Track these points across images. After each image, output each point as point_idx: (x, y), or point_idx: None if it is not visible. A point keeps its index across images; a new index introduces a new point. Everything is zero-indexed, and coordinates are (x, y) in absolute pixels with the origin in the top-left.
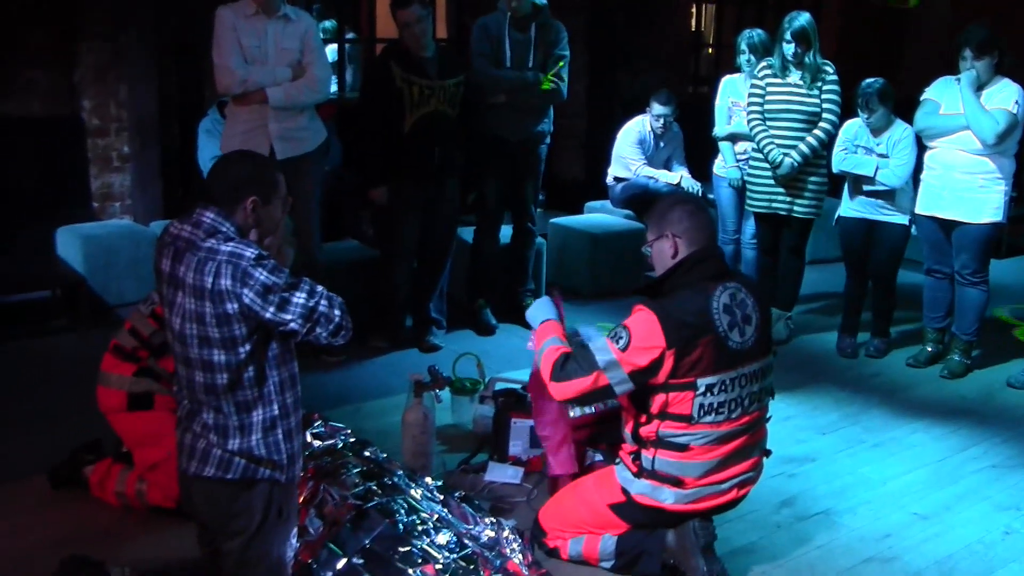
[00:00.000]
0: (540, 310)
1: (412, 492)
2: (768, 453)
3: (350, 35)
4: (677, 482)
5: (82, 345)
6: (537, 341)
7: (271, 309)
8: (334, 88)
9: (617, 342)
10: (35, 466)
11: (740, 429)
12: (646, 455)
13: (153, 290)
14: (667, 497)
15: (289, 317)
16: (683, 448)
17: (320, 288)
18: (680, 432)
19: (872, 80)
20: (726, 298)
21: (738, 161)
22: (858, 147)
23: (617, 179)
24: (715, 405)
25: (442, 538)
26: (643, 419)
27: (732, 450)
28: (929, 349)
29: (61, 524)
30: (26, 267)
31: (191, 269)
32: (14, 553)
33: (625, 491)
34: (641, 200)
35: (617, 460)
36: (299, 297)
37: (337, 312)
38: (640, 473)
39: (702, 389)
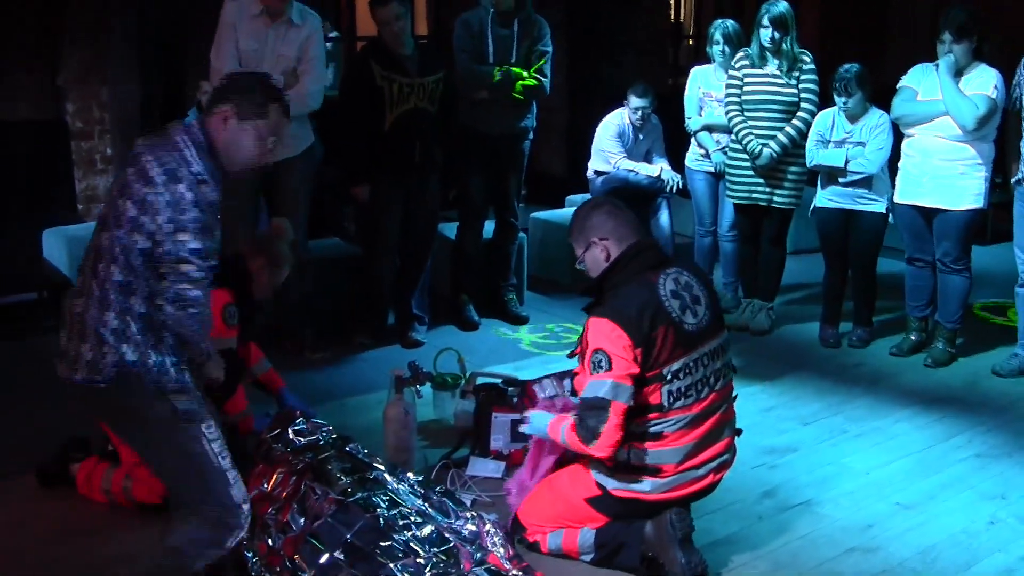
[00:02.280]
0: (540, 422)
1: (394, 487)
2: (739, 432)
3: (332, 33)
4: (655, 471)
5: None
6: (555, 437)
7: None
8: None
9: (600, 368)
10: (23, 465)
11: (710, 408)
12: (620, 450)
13: None
14: (644, 486)
15: (166, 260)
16: (657, 436)
17: (201, 293)
18: (653, 422)
19: (850, 65)
20: (671, 284)
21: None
22: (828, 142)
23: (597, 172)
24: (683, 389)
25: (423, 532)
26: None
27: (705, 431)
28: (912, 338)
29: (50, 521)
30: (12, 269)
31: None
32: (3, 549)
33: (601, 486)
34: (622, 193)
35: (591, 459)
36: (191, 268)
37: (192, 323)
38: (616, 468)
39: (668, 377)
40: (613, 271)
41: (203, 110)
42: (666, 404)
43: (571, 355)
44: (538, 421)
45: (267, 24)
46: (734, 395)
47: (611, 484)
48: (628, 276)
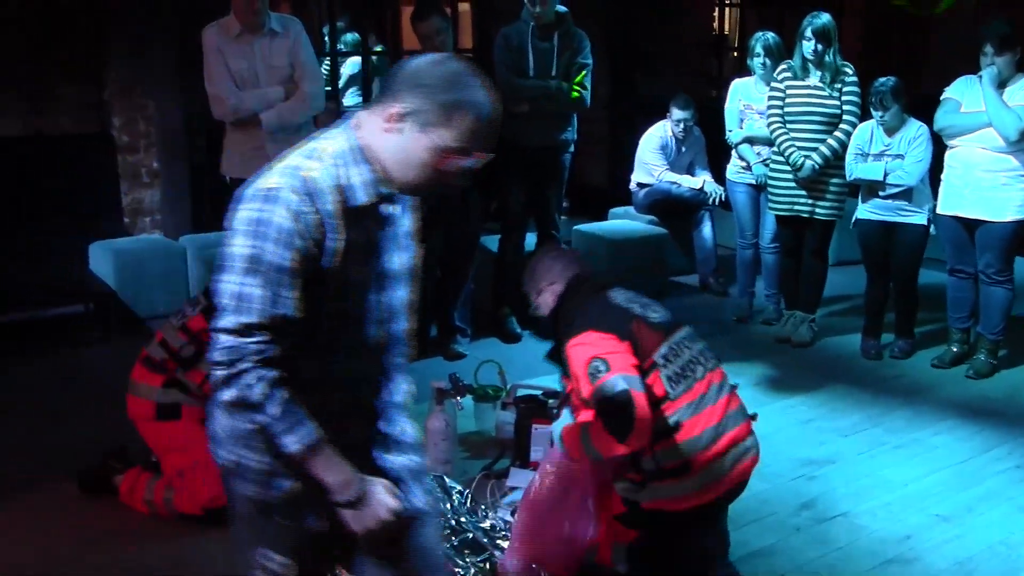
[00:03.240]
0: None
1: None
2: (754, 417)
3: (377, 47)
4: (684, 468)
5: (114, 357)
6: (572, 447)
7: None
8: (359, 100)
9: (601, 373)
10: (65, 474)
11: (714, 388)
12: (645, 458)
13: (185, 302)
14: (676, 491)
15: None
16: (676, 428)
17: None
18: (667, 415)
19: (885, 79)
20: (620, 295)
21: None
22: (867, 155)
23: (640, 185)
24: (679, 372)
25: (461, 541)
26: None
27: (718, 414)
28: (954, 349)
29: (90, 528)
30: (60, 282)
31: None
32: (47, 552)
33: (628, 501)
34: (664, 205)
35: (615, 478)
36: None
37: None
38: (646, 478)
39: (661, 361)
40: (564, 303)
41: None
42: (670, 391)
43: (559, 406)
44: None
45: (250, 41)
46: (735, 384)
47: (644, 496)
48: (580, 300)
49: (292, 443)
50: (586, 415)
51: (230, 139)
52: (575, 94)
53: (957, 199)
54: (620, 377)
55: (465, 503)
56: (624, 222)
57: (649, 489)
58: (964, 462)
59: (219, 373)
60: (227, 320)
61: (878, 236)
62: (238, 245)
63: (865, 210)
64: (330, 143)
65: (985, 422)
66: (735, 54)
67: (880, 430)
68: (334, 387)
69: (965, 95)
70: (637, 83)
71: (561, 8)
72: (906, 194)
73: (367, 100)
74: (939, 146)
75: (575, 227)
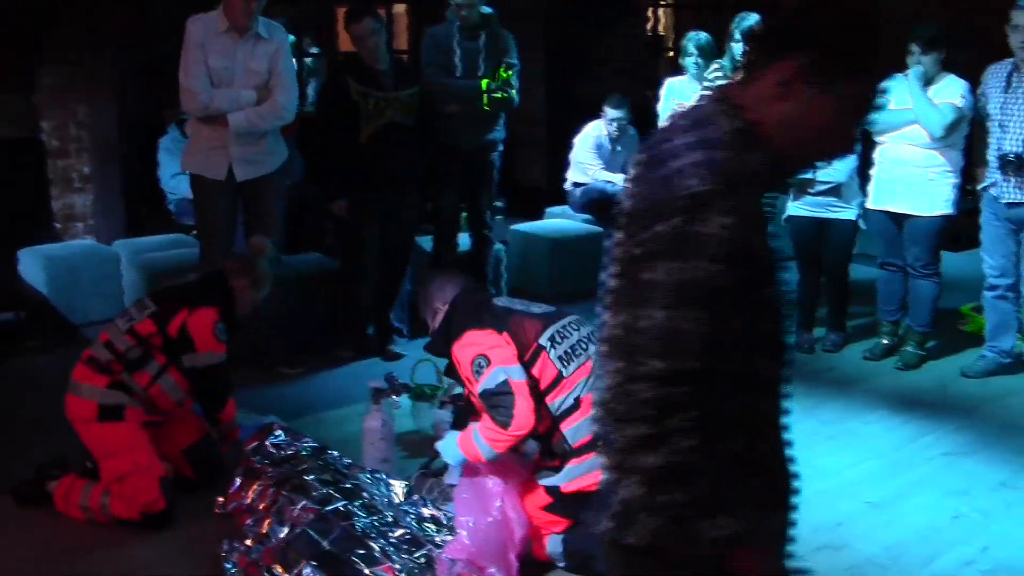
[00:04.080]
0: (450, 448)
1: (370, 493)
2: None
3: (313, 49)
4: (594, 442)
5: (48, 365)
6: (468, 451)
7: None
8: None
9: (483, 368)
10: (1, 484)
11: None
12: (557, 442)
13: (131, 306)
14: (590, 467)
15: None
16: (575, 407)
17: None
18: (566, 394)
19: None
20: (501, 301)
21: None
22: None
23: (576, 184)
24: (568, 352)
25: (399, 537)
26: None
27: None
28: (884, 342)
29: (27, 539)
30: None
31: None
32: None
33: (551, 490)
34: (600, 204)
35: (536, 469)
36: None
37: None
38: (563, 459)
39: (548, 344)
40: (450, 318)
41: (183, 130)
42: (563, 370)
43: (446, 404)
44: (447, 447)
45: (235, 41)
46: None
47: (561, 480)
48: (467, 310)
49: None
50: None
51: (195, 135)
52: (503, 94)
53: (886, 194)
54: (500, 369)
55: (404, 499)
56: (561, 221)
57: (566, 471)
58: (894, 451)
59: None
60: (649, 365)
61: (809, 232)
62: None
63: (796, 207)
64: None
65: (914, 412)
66: (671, 54)
67: (813, 421)
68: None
69: (893, 93)
70: (574, 84)
71: (487, 9)
72: (836, 190)
73: (302, 103)
74: (867, 142)
75: (512, 227)
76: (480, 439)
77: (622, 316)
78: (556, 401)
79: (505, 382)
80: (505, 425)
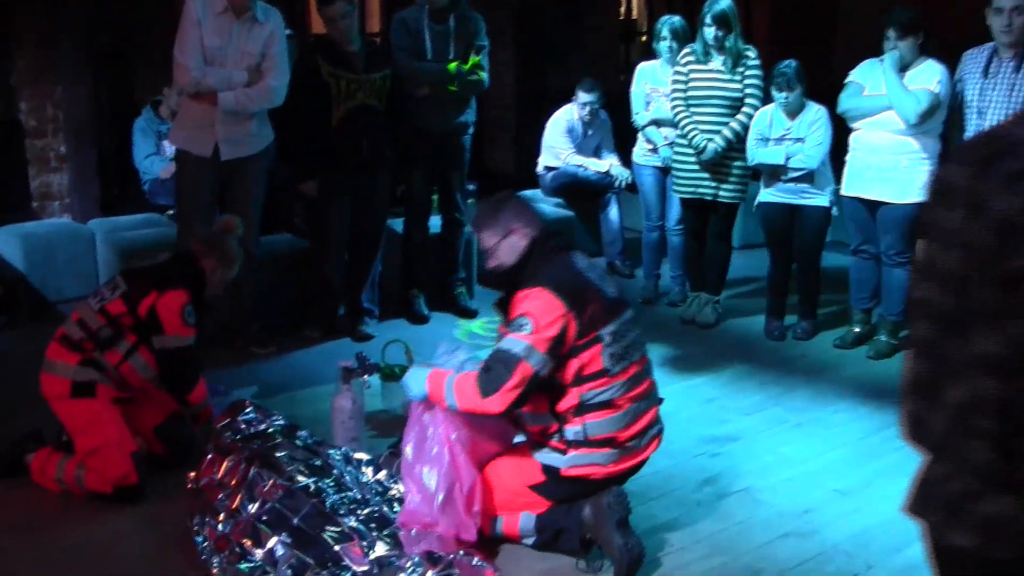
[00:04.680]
0: (416, 379)
1: (340, 470)
2: (661, 401)
3: (287, 32)
4: (609, 441)
5: (23, 341)
6: (436, 391)
7: None
8: None
9: (522, 330)
10: None
11: (642, 371)
12: (572, 427)
13: (103, 285)
14: (598, 460)
15: None
16: (608, 404)
17: None
18: (602, 389)
19: (788, 61)
20: (582, 261)
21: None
22: (767, 140)
23: (547, 168)
24: (620, 352)
25: (367, 515)
26: (558, 394)
27: (640, 396)
28: (856, 330)
29: (3, 509)
30: None
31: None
32: None
33: (549, 469)
34: (571, 188)
35: (534, 444)
36: None
37: None
38: (570, 446)
39: (607, 339)
40: (532, 255)
41: (158, 112)
42: (609, 367)
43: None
44: (415, 378)
45: (231, 21)
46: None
47: (563, 463)
48: (548, 256)
49: None
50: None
51: (184, 111)
52: (474, 76)
53: (860, 181)
54: (527, 345)
55: (372, 478)
56: None
57: (572, 457)
58: (863, 439)
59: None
60: None
61: (781, 219)
62: None
63: (767, 193)
64: None
65: (884, 401)
66: (644, 39)
67: (782, 409)
68: None
69: (868, 79)
70: (545, 69)
71: None
72: (808, 177)
73: None
74: (842, 128)
75: None
76: (452, 386)
77: (997, 334)
78: (590, 392)
79: (517, 358)
80: (484, 392)
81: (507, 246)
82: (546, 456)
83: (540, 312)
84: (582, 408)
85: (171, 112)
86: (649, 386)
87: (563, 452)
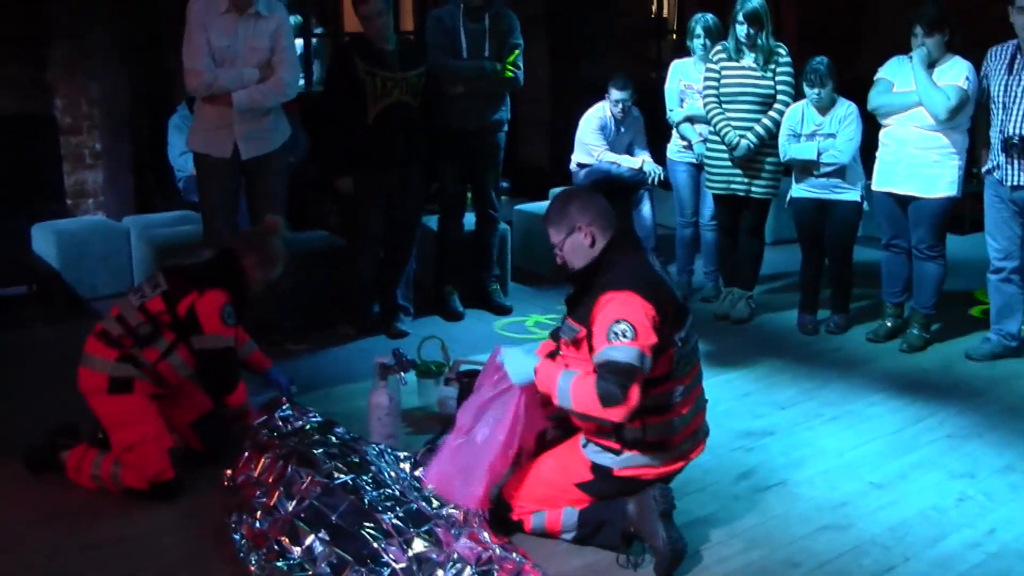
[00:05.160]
0: (520, 362)
1: (378, 467)
2: (707, 402)
3: (318, 29)
4: (665, 443)
5: (57, 337)
6: (545, 384)
7: None
8: (301, 83)
9: (625, 337)
10: (11, 452)
11: (697, 377)
12: (631, 427)
13: (144, 281)
14: (652, 461)
15: None
16: (668, 408)
17: None
18: (664, 392)
19: (820, 58)
20: (656, 263)
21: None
22: (799, 135)
23: (580, 165)
24: (686, 357)
25: (406, 511)
26: None
27: (695, 400)
28: (888, 324)
29: (38, 505)
30: (2, 263)
31: None
32: None
33: (599, 468)
34: (604, 185)
35: (585, 442)
36: None
37: None
38: (625, 446)
39: (679, 344)
40: (607, 254)
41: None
42: (676, 371)
43: (556, 340)
44: (520, 363)
45: (236, 19)
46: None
47: (616, 463)
48: (624, 255)
49: None
50: (574, 361)
51: (199, 114)
52: (508, 74)
53: (891, 176)
54: (638, 352)
55: (410, 474)
56: None
57: (626, 457)
58: (897, 432)
59: None
60: None
61: (812, 214)
62: None
63: (799, 189)
64: None
65: (917, 394)
66: (674, 36)
67: (816, 402)
68: None
69: (897, 75)
70: (578, 65)
71: None
72: (839, 172)
73: (308, 83)
74: (872, 124)
75: (516, 207)
76: (569, 387)
77: None
78: (655, 395)
79: (634, 368)
80: (607, 402)
81: (572, 243)
82: (598, 455)
83: (638, 318)
84: (644, 410)
85: None
86: (700, 392)
87: (617, 452)
